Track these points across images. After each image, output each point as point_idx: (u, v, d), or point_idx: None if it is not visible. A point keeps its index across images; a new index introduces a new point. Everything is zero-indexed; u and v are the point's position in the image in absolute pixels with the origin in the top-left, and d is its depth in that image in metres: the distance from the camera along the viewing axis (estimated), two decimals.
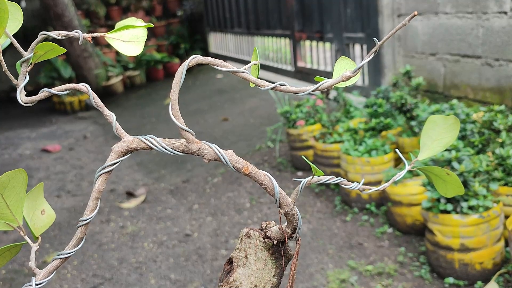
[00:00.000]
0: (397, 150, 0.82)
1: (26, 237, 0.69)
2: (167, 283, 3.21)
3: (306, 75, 7.01)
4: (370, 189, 0.76)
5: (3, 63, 0.69)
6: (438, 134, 0.77)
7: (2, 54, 0.69)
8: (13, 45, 0.71)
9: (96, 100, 0.70)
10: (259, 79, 0.72)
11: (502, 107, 3.44)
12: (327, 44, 6.43)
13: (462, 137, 3.41)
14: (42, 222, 0.74)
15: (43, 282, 0.65)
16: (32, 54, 0.68)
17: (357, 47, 5.92)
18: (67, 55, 9.17)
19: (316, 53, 6.81)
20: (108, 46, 10.10)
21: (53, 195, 4.91)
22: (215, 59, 0.71)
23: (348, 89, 5.41)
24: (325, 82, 0.69)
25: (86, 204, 0.67)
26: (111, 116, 0.70)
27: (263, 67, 8.27)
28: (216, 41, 10.78)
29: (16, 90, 0.70)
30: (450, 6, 4.43)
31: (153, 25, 0.78)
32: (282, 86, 0.70)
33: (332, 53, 6.31)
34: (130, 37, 0.73)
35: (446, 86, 4.65)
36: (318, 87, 0.69)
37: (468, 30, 4.29)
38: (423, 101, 4.49)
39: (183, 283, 3.20)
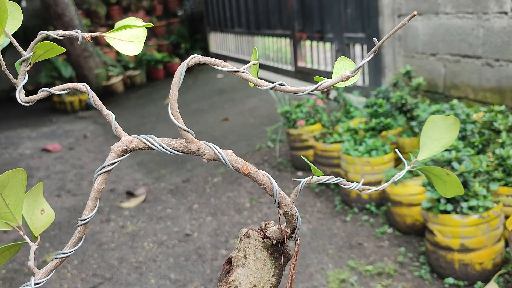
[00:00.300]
0: (397, 150, 0.82)
1: (25, 237, 0.69)
2: (167, 283, 3.21)
3: (306, 75, 7.01)
4: (369, 189, 0.76)
5: (3, 62, 0.69)
6: (438, 134, 0.77)
7: (2, 53, 0.69)
8: (12, 45, 0.71)
9: (96, 100, 0.70)
10: (258, 79, 0.72)
11: (502, 108, 3.44)
12: (328, 44, 6.43)
13: (462, 138, 3.41)
14: (42, 222, 0.74)
15: (42, 282, 0.65)
16: (31, 53, 0.68)
17: (358, 47, 5.92)
18: (68, 54, 9.17)
19: (316, 53, 6.81)
20: (109, 45, 10.07)
21: (53, 195, 4.91)
22: (215, 59, 0.71)
23: (349, 89, 5.41)
24: (325, 82, 0.69)
25: (86, 204, 0.68)
26: (110, 115, 0.70)
27: (263, 67, 8.27)
28: (217, 41, 10.79)
29: (16, 89, 0.70)
30: (450, 6, 4.43)
31: (153, 25, 0.78)
32: (281, 86, 0.70)
33: (332, 53, 6.31)
34: (129, 37, 0.73)
35: (446, 86, 4.65)
36: (317, 87, 0.69)
37: (469, 30, 4.29)
38: (423, 101, 4.49)
39: (183, 282, 3.20)
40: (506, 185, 2.97)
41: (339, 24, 5.96)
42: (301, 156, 1.16)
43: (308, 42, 7.00)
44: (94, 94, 0.70)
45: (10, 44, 0.72)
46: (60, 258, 0.67)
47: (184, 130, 0.70)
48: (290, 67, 7.54)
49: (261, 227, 0.80)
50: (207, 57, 0.71)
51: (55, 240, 3.96)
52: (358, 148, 3.80)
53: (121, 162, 0.69)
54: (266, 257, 0.78)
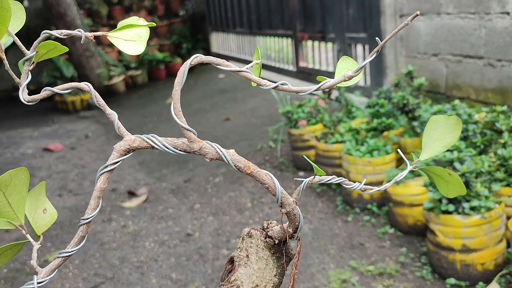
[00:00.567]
0: (399, 150, 0.82)
1: (28, 236, 0.69)
2: (168, 283, 3.22)
3: (308, 75, 7.01)
4: (372, 189, 0.76)
5: (6, 61, 0.69)
6: (440, 134, 0.77)
7: (4, 53, 0.69)
8: (15, 44, 0.71)
9: (98, 99, 0.70)
10: (261, 79, 0.72)
11: (504, 108, 3.43)
12: (329, 44, 6.43)
13: (464, 138, 3.41)
14: (44, 221, 0.74)
15: (45, 281, 0.65)
16: (34, 52, 0.68)
17: (359, 48, 5.91)
18: (69, 54, 9.18)
19: (318, 53, 6.81)
20: (110, 45, 10.12)
21: (54, 194, 4.91)
22: (217, 58, 0.71)
23: (350, 89, 5.41)
24: (327, 82, 0.69)
25: (88, 203, 0.68)
26: (113, 115, 0.70)
27: (265, 67, 8.27)
28: (218, 41, 10.79)
29: (18, 89, 0.70)
30: (452, 7, 4.43)
31: (155, 25, 0.78)
32: (284, 86, 0.70)
33: (334, 53, 6.31)
34: (132, 36, 0.73)
35: (448, 86, 4.64)
36: (320, 87, 0.69)
37: (471, 31, 4.28)
38: (425, 101, 4.48)
39: (184, 282, 3.20)
40: (508, 185, 2.96)
41: (341, 24, 5.95)
42: (303, 155, 1.16)
43: (309, 42, 7.00)
44: (97, 93, 0.70)
45: (13, 43, 0.72)
46: (63, 257, 0.67)
47: (187, 130, 0.70)
48: (291, 67, 7.54)
49: (263, 226, 0.80)
50: (209, 56, 0.71)
51: (57, 239, 3.96)
52: (359, 148, 3.80)
53: (122, 162, 0.69)
54: (268, 257, 0.78)
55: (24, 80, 0.69)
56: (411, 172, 3.30)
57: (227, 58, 9.88)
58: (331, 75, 5.75)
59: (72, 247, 0.67)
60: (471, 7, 4.23)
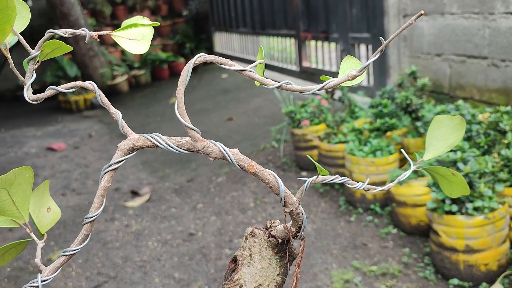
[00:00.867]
0: (402, 150, 0.82)
1: (32, 234, 0.69)
2: (171, 282, 3.22)
3: (311, 75, 7.00)
4: (375, 189, 0.76)
5: (11, 60, 0.69)
6: (444, 134, 0.77)
7: (9, 52, 0.69)
8: (19, 44, 0.71)
9: (102, 98, 0.70)
10: (265, 78, 0.72)
11: (508, 108, 3.42)
12: (333, 44, 6.42)
13: (467, 138, 3.40)
14: (48, 219, 0.74)
15: (49, 279, 0.65)
16: (39, 52, 0.68)
17: (363, 48, 5.91)
18: (73, 54, 9.20)
19: (321, 53, 6.80)
20: (114, 45, 10.14)
21: (58, 193, 4.92)
22: (221, 58, 0.71)
23: (353, 89, 5.40)
24: (331, 81, 0.69)
25: (91, 202, 0.68)
26: (117, 114, 0.71)
27: (268, 67, 8.26)
28: (221, 40, 10.79)
29: (23, 88, 0.70)
30: (456, 7, 4.42)
31: (159, 24, 0.78)
32: (287, 85, 0.70)
33: (337, 53, 6.30)
34: (136, 36, 0.74)
35: (451, 86, 4.63)
36: (323, 86, 0.69)
37: (475, 31, 4.27)
38: (429, 101, 4.48)
39: (187, 282, 3.20)
40: (511, 186, 2.96)
41: (344, 24, 5.95)
42: (306, 155, 1.16)
43: (313, 42, 7.00)
44: (101, 93, 0.70)
45: (17, 43, 0.72)
46: (67, 255, 0.67)
47: (191, 129, 0.70)
48: (295, 67, 7.54)
49: (266, 226, 0.80)
50: (213, 56, 0.71)
51: (60, 238, 3.97)
52: (363, 149, 3.80)
53: (125, 162, 0.70)
54: (272, 256, 0.78)
55: (29, 79, 0.69)
56: (414, 172, 3.29)
57: (230, 58, 9.88)
58: (334, 75, 5.73)
59: (76, 246, 0.67)
60: (475, 7, 4.22)
